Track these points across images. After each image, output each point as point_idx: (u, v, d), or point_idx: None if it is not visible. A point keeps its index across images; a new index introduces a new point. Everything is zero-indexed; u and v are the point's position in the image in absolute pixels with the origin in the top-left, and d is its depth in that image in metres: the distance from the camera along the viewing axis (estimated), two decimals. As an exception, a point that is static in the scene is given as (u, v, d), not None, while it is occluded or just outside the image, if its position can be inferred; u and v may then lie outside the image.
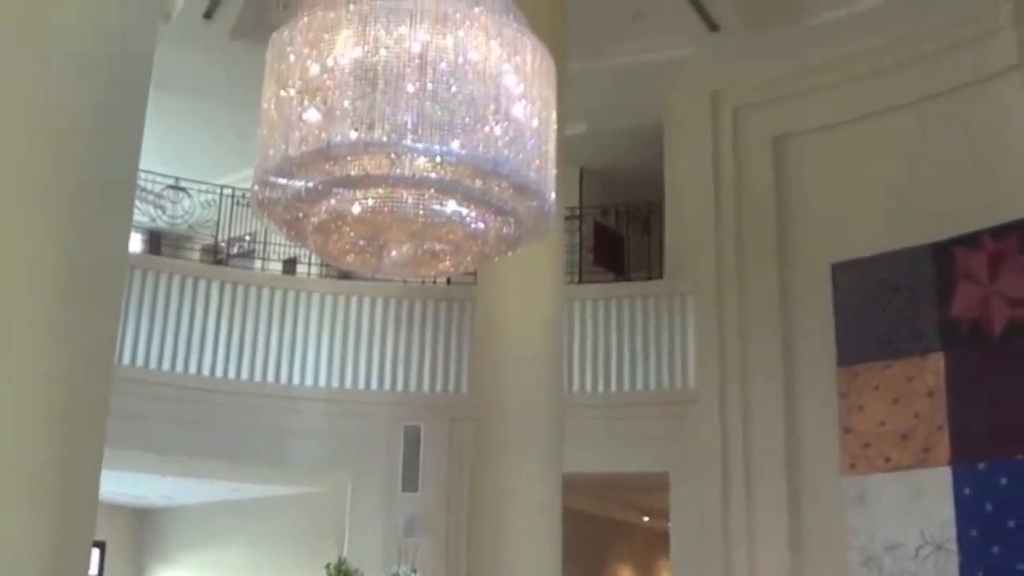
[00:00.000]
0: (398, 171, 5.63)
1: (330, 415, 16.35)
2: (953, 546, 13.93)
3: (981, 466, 13.91)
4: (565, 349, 14.35)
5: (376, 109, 5.52)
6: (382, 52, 5.59)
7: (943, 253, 14.64)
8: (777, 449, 15.63)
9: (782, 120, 16.68)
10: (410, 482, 16.53)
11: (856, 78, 15.86)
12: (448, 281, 16.38)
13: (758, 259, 16.27)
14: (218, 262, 18.29)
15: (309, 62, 5.77)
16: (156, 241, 20.09)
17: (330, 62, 5.71)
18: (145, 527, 22.43)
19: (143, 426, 14.83)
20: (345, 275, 15.86)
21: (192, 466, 17.15)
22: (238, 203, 17.33)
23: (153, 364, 15.68)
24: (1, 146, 5.51)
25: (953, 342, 14.41)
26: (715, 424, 15.93)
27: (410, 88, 5.54)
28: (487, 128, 5.64)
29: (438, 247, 6.10)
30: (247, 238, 19.34)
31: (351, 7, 5.75)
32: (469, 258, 6.29)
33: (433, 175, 5.67)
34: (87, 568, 5.74)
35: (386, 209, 5.80)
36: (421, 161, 5.63)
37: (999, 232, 14.08)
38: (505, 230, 6.17)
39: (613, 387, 16.59)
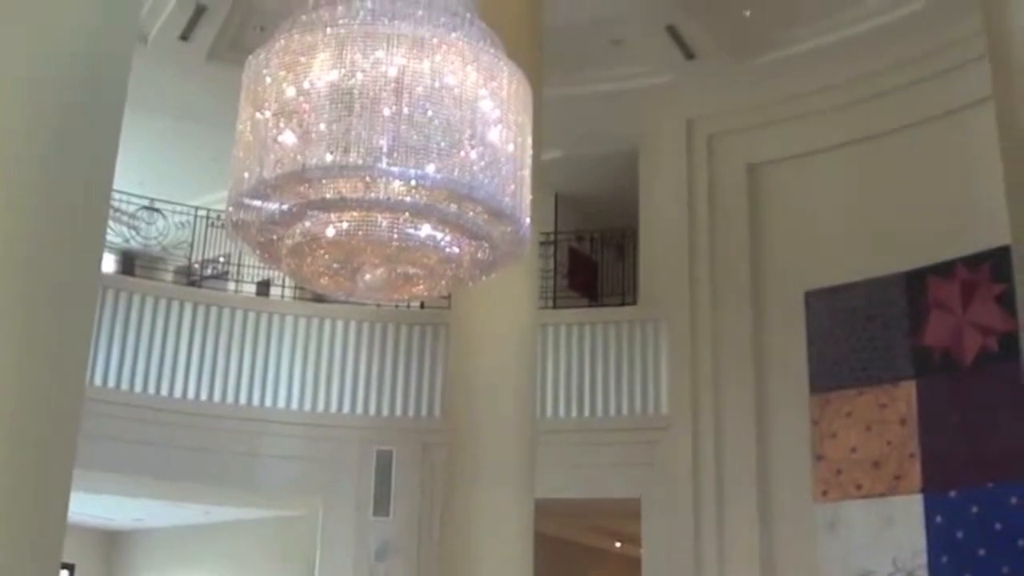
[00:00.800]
0: (373, 194, 5.63)
1: (302, 438, 16.29)
2: (924, 574, 13.97)
3: (952, 494, 13.96)
4: (538, 374, 14.33)
5: (352, 132, 5.52)
6: (358, 76, 5.59)
7: (916, 282, 14.72)
8: (749, 476, 15.64)
9: (757, 148, 16.76)
10: (382, 506, 16.48)
11: (831, 108, 15.95)
12: (422, 305, 16.37)
13: (732, 286, 16.31)
14: (191, 284, 18.24)
15: (285, 85, 5.77)
16: (129, 262, 20.02)
17: (306, 85, 5.71)
18: (115, 550, 22.29)
19: (114, 447, 14.75)
20: (319, 298, 15.84)
21: (163, 488, 17.05)
22: (212, 225, 17.30)
23: (125, 385, 15.60)
24: (-26, 164, 5.49)
25: (925, 370, 14.47)
26: (687, 450, 15.93)
27: (386, 112, 5.54)
28: (463, 153, 5.65)
29: (412, 271, 6.09)
30: (221, 260, 19.29)
31: (328, 30, 5.76)
32: (443, 282, 6.28)
33: (408, 199, 5.66)
34: (55, 590, 5.70)
35: (360, 232, 5.79)
36: (396, 185, 5.63)
37: (972, 261, 14.16)
38: (479, 255, 6.16)
39: (586, 412, 16.58)
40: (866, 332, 15.10)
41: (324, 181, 5.66)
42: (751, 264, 16.36)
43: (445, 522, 13.20)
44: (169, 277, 18.79)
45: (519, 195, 6.00)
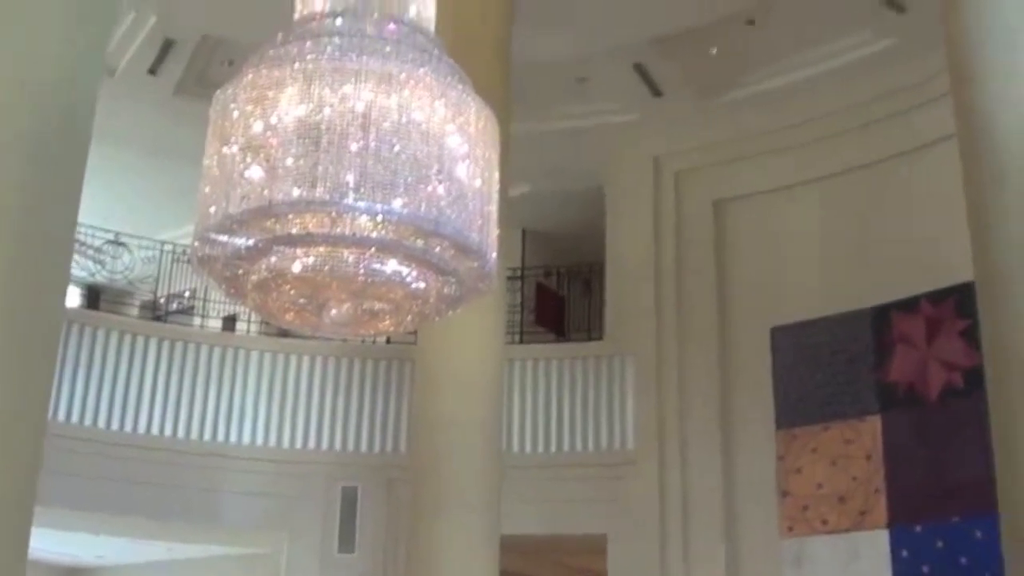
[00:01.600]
0: (339, 230, 5.62)
1: (267, 474, 16.20)
2: (890, 609, 13.99)
3: (918, 529, 13.99)
4: (505, 409, 14.32)
5: (319, 167, 5.51)
6: (326, 111, 5.59)
7: (881, 317, 14.79)
8: (715, 511, 15.64)
9: (723, 185, 16.84)
10: (347, 543, 16.39)
11: (795, 145, 16.05)
12: (388, 340, 16.35)
13: (698, 321, 16.36)
14: (157, 318, 18.15)
15: (252, 119, 5.76)
16: (95, 296, 19.92)
17: (274, 119, 5.70)
18: (77, 586, 22.10)
19: (77, 483, 14.63)
20: (284, 333, 15.79)
21: (126, 525, 16.90)
22: (178, 259, 17.25)
23: (89, 421, 15.50)
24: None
25: (890, 405, 14.53)
26: (654, 486, 15.93)
27: (353, 147, 5.53)
28: (430, 188, 5.65)
29: (378, 306, 6.08)
30: (187, 294, 19.23)
31: (296, 65, 5.76)
32: (409, 318, 6.27)
33: (374, 234, 5.66)
34: (15, 628, 5.64)
35: (327, 267, 5.79)
36: (363, 220, 5.63)
37: (936, 297, 14.24)
38: (446, 290, 6.16)
39: (552, 448, 16.56)
40: (831, 367, 15.16)
41: (291, 216, 5.65)
42: (717, 300, 16.42)
43: (411, 558, 13.15)
44: (135, 312, 18.70)
45: (486, 230, 6.01)
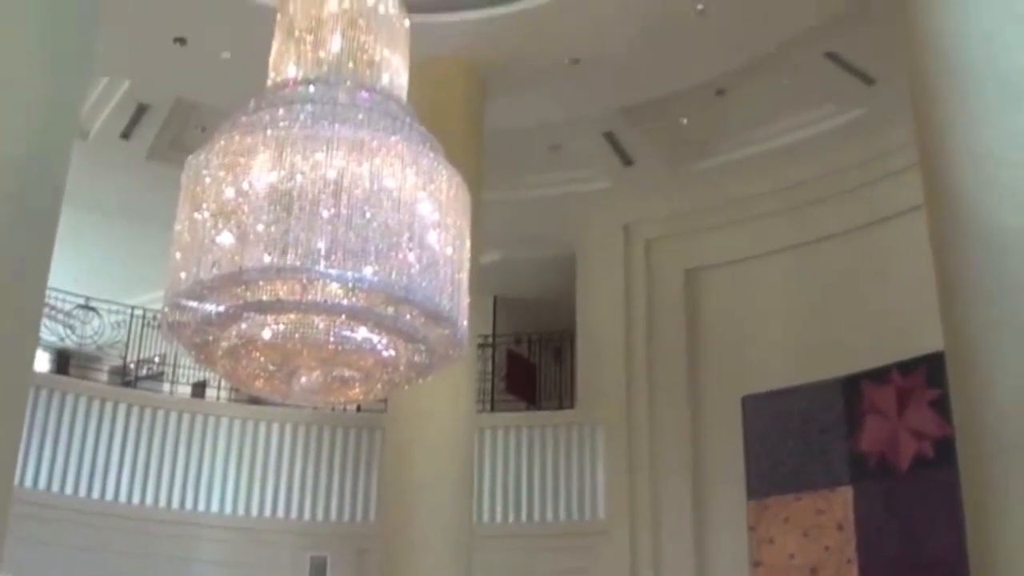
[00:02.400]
0: (310, 297, 5.62)
1: (236, 543, 16.03)
2: None
3: (889, 600, 13.95)
4: (476, 478, 14.26)
5: (290, 234, 5.52)
6: (298, 177, 5.60)
7: (852, 387, 14.81)
8: (687, 582, 15.58)
9: (693, 253, 16.89)
10: (316, 613, 16.23)
11: (767, 214, 16.13)
12: (358, 408, 16.26)
13: (669, 390, 16.34)
14: (126, 384, 18.02)
15: (224, 185, 5.76)
16: (64, 361, 19.78)
17: (245, 186, 5.71)
18: (41, 655, 21.77)
19: (44, 551, 14.44)
20: (254, 400, 15.69)
21: (93, 593, 16.71)
22: (148, 325, 17.16)
23: (56, 487, 15.32)
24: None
25: (862, 475, 14.51)
26: (625, 556, 15.83)
27: (325, 214, 5.54)
28: (400, 255, 5.66)
29: (348, 374, 6.07)
30: (156, 360, 19.11)
31: (268, 132, 5.77)
32: (380, 385, 6.26)
33: (345, 301, 5.66)
34: None
35: (297, 335, 5.78)
36: (333, 287, 5.62)
37: (907, 367, 14.26)
38: (416, 358, 6.15)
39: (523, 517, 16.45)
40: (803, 437, 15.15)
41: (261, 283, 5.64)
42: (688, 368, 16.42)
43: (380, 628, 13.04)
44: (104, 377, 18.56)
45: (457, 298, 6.01)
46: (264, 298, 5.67)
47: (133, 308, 17.52)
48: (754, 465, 15.47)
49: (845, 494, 14.60)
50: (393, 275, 5.59)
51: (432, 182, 5.91)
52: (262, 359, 5.99)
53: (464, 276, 6.14)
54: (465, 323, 6.11)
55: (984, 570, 7.61)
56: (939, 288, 8.45)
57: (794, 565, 14.81)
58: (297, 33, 6.53)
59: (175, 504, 16.03)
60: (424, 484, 12.72)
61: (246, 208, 5.66)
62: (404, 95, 6.62)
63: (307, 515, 16.45)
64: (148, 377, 19.09)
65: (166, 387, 18.16)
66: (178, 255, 5.84)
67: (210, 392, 17.55)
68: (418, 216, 5.77)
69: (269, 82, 6.55)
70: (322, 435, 16.76)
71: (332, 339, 5.77)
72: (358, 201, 5.60)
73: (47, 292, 6.80)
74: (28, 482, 14.83)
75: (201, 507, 16.14)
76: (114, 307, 17.56)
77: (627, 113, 15.59)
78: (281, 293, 5.64)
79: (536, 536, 16.35)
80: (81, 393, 16.00)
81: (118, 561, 15.35)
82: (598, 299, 17.32)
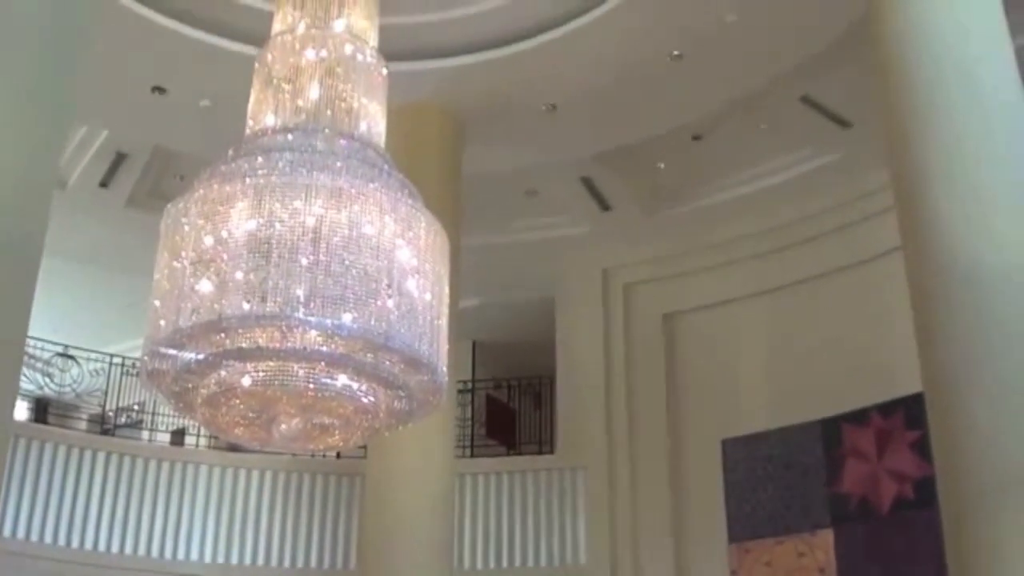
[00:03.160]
0: (290, 344, 5.63)
1: (216, 591, 15.96)
2: None
3: (871, 644, 13.92)
4: (455, 524, 14.21)
5: (269, 281, 5.54)
6: (277, 225, 5.63)
7: (832, 430, 14.82)
8: (669, 627, 15.53)
9: (672, 297, 16.93)
10: (296, 661, 16.12)
11: (745, 257, 16.18)
12: (338, 455, 16.20)
13: (649, 435, 16.33)
14: (105, 432, 17.92)
15: (203, 233, 5.79)
16: (43, 409, 19.68)
17: (224, 234, 5.73)
18: None
19: (21, 602, 14.37)
20: (233, 447, 15.63)
21: (71, 643, 16.57)
22: (127, 372, 17.10)
23: (35, 536, 15.21)
24: None
25: (843, 518, 14.50)
26: (606, 601, 15.81)
27: (303, 261, 5.57)
28: (380, 302, 5.68)
29: (328, 421, 6.07)
30: (135, 408, 19.03)
31: (247, 180, 5.80)
32: (359, 432, 6.27)
33: (324, 348, 5.67)
34: None
35: (276, 382, 5.78)
36: (313, 334, 5.63)
37: (886, 409, 14.29)
38: (396, 404, 6.17)
39: (504, 562, 16.37)
40: (783, 480, 15.15)
41: (240, 330, 5.65)
42: (668, 412, 16.41)
43: (360, 676, 12.96)
44: (83, 425, 18.48)
45: (436, 344, 6.03)
46: (243, 345, 5.68)
47: (112, 356, 17.45)
48: (735, 509, 15.45)
49: (826, 537, 14.58)
50: (372, 322, 5.61)
51: (410, 229, 5.94)
52: (242, 406, 5.99)
53: (443, 322, 6.16)
54: (444, 369, 6.14)
55: (966, 611, 7.62)
56: (917, 329, 8.49)
57: (776, 609, 14.80)
58: (275, 82, 6.59)
59: (155, 553, 15.91)
60: (404, 530, 12.67)
61: (225, 256, 5.68)
62: (382, 142, 6.67)
63: (287, 562, 16.35)
64: (127, 425, 19.00)
65: (145, 435, 18.07)
66: (157, 303, 5.85)
67: (189, 440, 17.49)
68: (397, 263, 5.80)
69: (248, 130, 6.58)
70: (302, 482, 16.68)
71: (312, 386, 5.78)
72: (337, 248, 5.62)
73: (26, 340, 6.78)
74: (7, 531, 14.74)
75: (181, 555, 16.03)
76: (93, 355, 17.50)
77: (604, 158, 15.64)
78: (260, 340, 5.65)
79: (517, 582, 16.30)
80: (60, 442, 15.91)
81: (96, 610, 15.25)
82: (577, 344, 17.33)
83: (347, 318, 5.54)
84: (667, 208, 16.43)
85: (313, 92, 6.44)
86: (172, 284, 5.81)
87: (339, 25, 6.82)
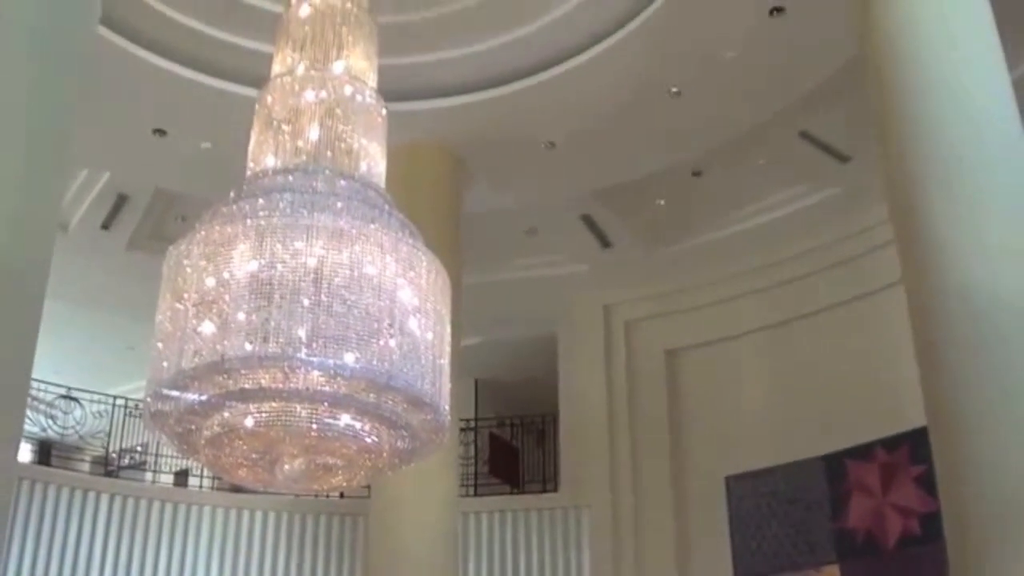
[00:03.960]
0: (292, 384, 5.63)
1: (219, 633, 15.92)
2: None
3: None
4: (460, 563, 14.16)
5: (271, 322, 5.55)
6: (278, 266, 5.64)
7: (836, 465, 14.78)
8: (675, 664, 15.47)
9: (674, 334, 16.93)
10: None
11: (746, 293, 16.19)
12: (341, 495, 16.18)
13: (652, 471, 16.30)
14: (108, 474, 17.92)
15: (205, 275, 5.80)
16: (46, 451, 19.68)
17: (226, 275, 5.74)
18: None
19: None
20: (237, 488, 15.61)
21: None
22: (130, 414, 17.12)
23: (39, 578, 15.23)
24: None
25: (848, 553, 14.45)
26: (612, 639, 15.75)
27: (305, 302, 5.58)
28: (382, 341, 5.68)
29: (331, 461, 6.07)
30: (139, 449, 19.03)
31: (248, 221, 5.81)
32: (363, 472, 6.26)
33: (327, 388, 5.67)
34: None
35: (279, 423, 5.78)
36: (315, 375, 5.64)
37: (890, 443, 14.25)
38: (399, 443, 6.16)
39: (509, 602, 16.37)
40: (788, 516, 15.11)
41: (243, 371, 5.66)
42: (671, 449, 16.39)
43: None
44: (86, 467, 18.48)
45: (438, 383, 6.03)
46: (246, 386, 5.68)
47: (115, 398, 17.47)
48: (740, 545, 15.41)
49: (832, 573, 14.53)
50: (375, 362, 5.62)
51: (412, 268, 5.95)
52: (245, 447, 5.99)
53: (445, 361, 6.17)
54: (447, 408, 6.14)
55: (972, 646, 7.59)
56: (920, 363, 8.47)
57: (782, 645, 14.74)
58: (275, 123, 6.61)
59: (158, 594, 15.91)
60: (408, 570, 12.63)
61: (227, 297, 5.69)
62: (382, 182, 6.69)
63: (291, 603, 16.34)
64: (130, 467, 19.00)
65: (148, 476, 18.07)
66: (160, 345, 5.86)
67: (193, 481, 17.48)
68: (398, 302, 5.81)
69: (248, 172, 6.61)
70: (305, 522, 16.67)
71: (314, 426, 5.78)
72: (338, 288, 5.64)
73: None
74: (11, 574, 14.72)
75: (185, 597, 16.02)
76: (96, 397, 17.52)
77: (604, 195, 15.67)
78: (263, 381, 5.66)
79: (522, 621, 16.26)
80: (63, 484, 15.92)
81: (100, 653, 15.22)
82: (579, 381, 17.33)
83: (349, 358, 5.55)
84: (668, 244, 16.45)
85: (313, 133, 6.47)
86: (174, 326, 5.82)
87: (338, 67, 6.85)
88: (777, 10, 11.99)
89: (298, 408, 5.77)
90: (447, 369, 6.20)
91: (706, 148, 14.54)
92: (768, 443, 15.44)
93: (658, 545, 15.93)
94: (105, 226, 16.12)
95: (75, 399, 17.47)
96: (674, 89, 13.31)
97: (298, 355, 5.49)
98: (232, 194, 6.28)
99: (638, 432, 16.67)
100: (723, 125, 14.02)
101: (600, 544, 16.23)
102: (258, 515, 16.61)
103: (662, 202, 15.85)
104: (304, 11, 7.13)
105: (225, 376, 5.68)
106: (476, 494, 17.41)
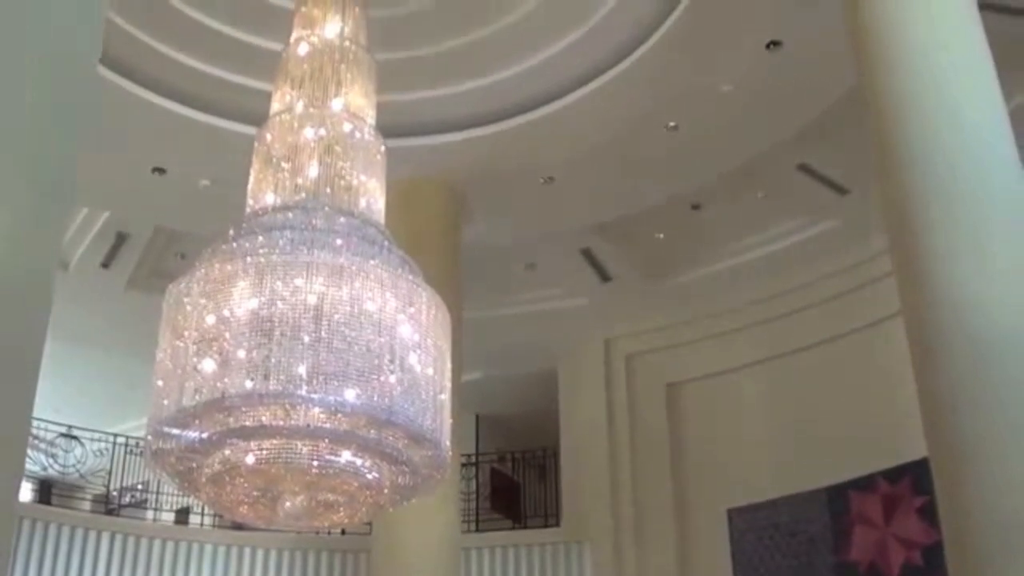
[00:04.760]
0: (293, 421, 5.63)
1: (220, 674, 15.85)
2: None
3: None
4: (462, 599, 14.13)
5: (272, 359, 5.55)
6: (278, 303, 5.65)
7: (838, 497, 14.75)
8: None
9: (674, 367, 16.92)
10: None
11: (747, 325, 16.18)
12: (343, 531, 16.13)
13: (654, 505, 16.26)
14: (109, 512, 17.88)
15: (205, 312, 5.81)
16: (47, 490, 19.63)
17: (226, 312, 5.75)
18: None
19: None
20: (238, 525, 15.57)
21: None
22: (131, 452, 17.09)
23: (40, 618, 15.18)
24: None
25: (851, 586, 14.41)
26: (614, 675, 15.68)
27: (306, 338, 5.59)
28: (382, 377, 5.69)
29: (332, 498, 6.06)
30: (139, 487, 18.99)
31: (248, 259, 5.83)
32: (364, 508, 6.26)
33: (328, 425, 5.67)
34: None
35: (280, 460, 5.78)
36: (316, 411, 5.64)
37: (892, 475, 14.22)
38: (400, 479, 6.16)
39: (511, 638, 16.30)
40: (791, 549, 15.06)
41: (244, 409, 5.66)
42: (673, 482, 16.35)
43: None
44: (87, 505, 18.44)
45: (439, 419, 6.04)
46: (247, 424, 5.69)
47: (115, 436, 17.45)
48: (742, 578, 15.37)
49: (835, 605, 14.50)
50: (375, 398, 5.63)
51: (412, 305, 5.97)
52: (246, 485, 5.99)
53: (446, 396, 6.17)
54: (448, 443, 6.14)
55: None
56: (921, 394, 8.46)
57: None
58: (275, 160, 6.64)
59: (159, 634, 15.86)
60: (410, 607, 12.60)
61: (227, 335, 5.70)
62: (382, 218, 6.71)
63: (292, 642, 16.28)
64: (131, 505, 18.95)
65: (149, 514, 18.02)
66: (160, 382, 5.87)
67: (194, 519, 17.44)
68: (399, 338, 5.82)
69: (248, 209, 6.63)
70: (307, 560, 16.62)
71: (316, 463, 5.78)
72: (339, 325, 5.65)
73: (29, 423, 6.77)
74: (11, 614, 14.68)
75: (185, 637, 15.96)
76: (96, 435, 17.50)
77: (603, 229, 15.71)
78: (264, 419, 5.66)
79: (524, 657, 16.19)
80: (64, 522, 15.87)
81: None
82: (580, 415, 17.31)
83: (350, 395, 5.55)
84: (667, 278, 16.46)
85: (312, 170, 6.50)
86: (175, 363, 5.83)
87: (337, 104, 6.89)
88: (774, 43, 12.05)
89: (299, 445, 5.77)
90: (448, 404, 6.21)
91: (704, 181, 14.57)
92: (770, 475, 15.41)
93: (660, 578, 15.89)
94: (105, 264, 16.13)
95: (75, 437, 17.45)
96: (672, 123, 13.35)
97: (299, 392, 5.50)
98: (232, 232, 6.30)
99: (639, 466, 16.64)
100: (721, 158, 14.05)
101: (602, 578, 16.19)
102: (260, 553, 16.56)
103: (661, 235, 15.86)
104: (303, 49, 7.17)
105: (226, 413, 5.69)
106: (478, 529, 17.37)
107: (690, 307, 16.48)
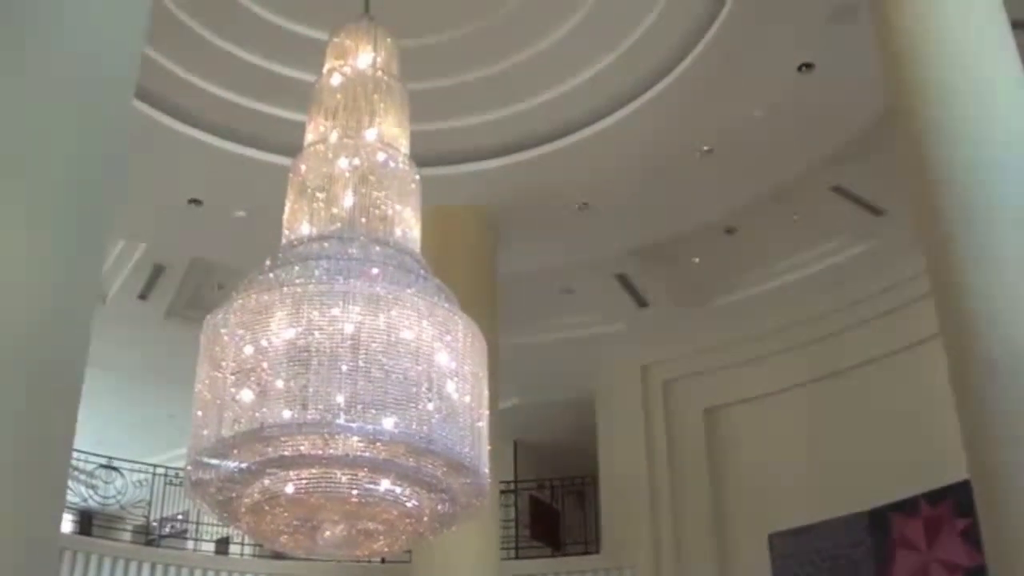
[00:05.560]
0: (332, 450, 5.65)
1: None
2: None
3: None
4: (503, 627, 14.10)
5: (309, 388, 5.57)
6: (315, 333, 5.67)
7: (880, 520, 14.65)
8: None
9: (712, 392, 16.87)
10: None
11: (784, 349, 16.11)
12: (383, 560, 16.13)
13: (695, 530, 16.20)
14: (149, 543, 17.96)
15: (243, 343, 5.84)
16: (87, 521, 19.72)
17: (264, 343, 5.78)
18: None
19: None
20: (279, 555, 15.59)
21: None
22: (171, 482, 17.15)
23: (82, 651, 15.23)
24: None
25: (895, 610, 14.31)
26: None
27: (343, 368, 5.60)
28: (420, 406, 5.70)
29: (372, 526, 6.07)
30: (179, 518, 19.06)
31: (285, 289, 5.86)
32: (404, 537, 6.26)
33: (367, 454, 5.69)
34: None
35: (320, 489, 5.79)
36: (354, 440, 5.65)
37: (934, 497, 14.12)
38: (439, 507, 6.16)
39: (552, 666, 16.26)
40: (833, 573, 14.96)
41: (283, 438, 5.68)
42: (713, 507, 16.29)
43: None
44: (127, 536, 18.50)
45: (477, 446, 6.04)
46: (286, 453, 5.71)
47: (155, 467, 17.53)
48: (785, 603, 15.28)
49: (878, 630, 14.40)
50: (414, 426, 5.63)
51: (448, 332, 5.98)
52: (285, 514, 6.00)
53: (484, 424, 6.18)
54: (487, 471, 6.14)
55: None
56: (961, 416, 8.41)
57: None
58: (309, 191, 6.68)
59: (201, 664, 15.89)
60: (451, 635, 12.59)
61: (265, 365, 5.73)
62: (417, 247, 6.73)
63: (335, 672, 16.28)
64: (171, 535, 19.04)
65: (190, 544, 18.10)
66: (199, 413, 5.90)
67: (234, 548, 17.48)
68: (436, 366, 5.83)
69: (283, 239, 6.67)
70: (347, 588, 16.63)
71: (355, 492, 5.79)
72: (376, 354, 5.66)
73: (70, 455, 6.82)
74: (53, 647, 14.70)
75: (227, 666, 15.99)
76: (136, 466, 17.58)
77: (638, 254, 15.72)
78: (303, 448, 5.68)
79: None
80: (105, 554, 15.94)
81: None
82: (619, 441, 17.28)
83: (388, 423, 5.56)
84: (704, 302, 16.44)
85: (347, 200, 6.53)
86: (213, 394, 5.86)
87: (371, 134, 6.92)
88: (806, 66, 12.07)
89: (338, 474, 5.78)
90: (485, 432, 6.21)
91: (739, 205, 14.58)
92: (810, 499, 15.32)
93: (702, 605, 15.82)
94: (143, 296, 16.25)
95: (115, 468, 17.54)
96: (706, 147, 13.38)
97: (337, 421, 5.51)
98: (268, 262, 6.33)
99: (679, 491, 16.58)
100: (755, 182, 14.06)
101: (644, 605, 16.13)
102: (300, 582, 16.59)
103: (697, 260, 15.86)
104: (336, 80, 7.21)
105: (264, 443, 5.71)
106: (517, 557, 17.34)
107: (727, 331, 16.44)
